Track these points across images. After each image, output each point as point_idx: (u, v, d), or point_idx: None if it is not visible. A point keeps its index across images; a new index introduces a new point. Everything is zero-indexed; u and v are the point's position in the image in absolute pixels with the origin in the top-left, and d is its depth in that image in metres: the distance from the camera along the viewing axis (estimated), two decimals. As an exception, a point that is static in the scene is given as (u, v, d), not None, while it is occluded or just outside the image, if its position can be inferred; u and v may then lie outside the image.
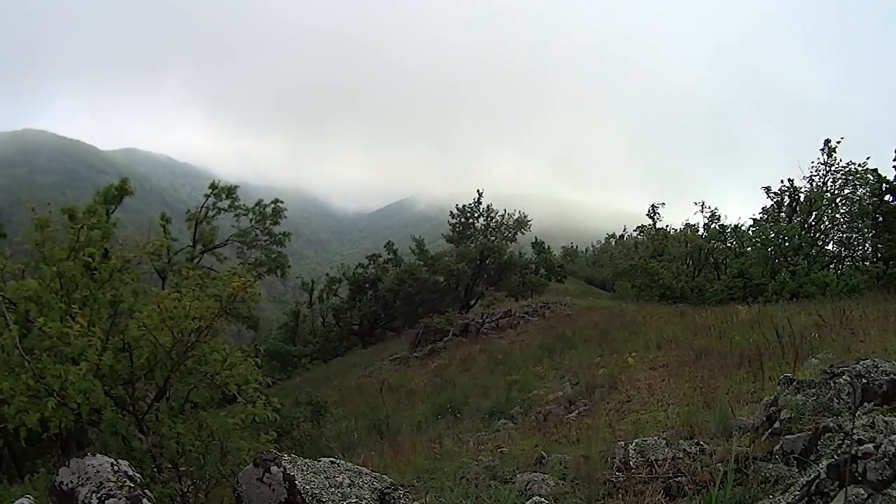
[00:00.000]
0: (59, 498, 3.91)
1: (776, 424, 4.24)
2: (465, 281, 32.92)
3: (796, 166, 28.21)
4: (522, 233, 36.63)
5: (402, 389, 16.46)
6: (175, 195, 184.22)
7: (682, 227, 26.84)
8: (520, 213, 37.30)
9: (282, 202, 31.21)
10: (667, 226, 29.33)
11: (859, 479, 2.72)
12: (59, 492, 3.92)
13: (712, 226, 24.71)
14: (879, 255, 18.55)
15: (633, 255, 27.30)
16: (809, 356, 7.22)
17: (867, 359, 4.44)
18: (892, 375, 4.08)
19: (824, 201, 19.53)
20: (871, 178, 18.62)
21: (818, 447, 3.49)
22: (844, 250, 20.21)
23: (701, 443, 4.40)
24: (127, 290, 6.54)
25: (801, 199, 20.33)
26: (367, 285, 37.57)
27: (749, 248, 22.03)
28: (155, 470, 5.81)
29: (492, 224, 36.74)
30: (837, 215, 19.85)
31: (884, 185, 18.23)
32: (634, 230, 33.84)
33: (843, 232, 20.04)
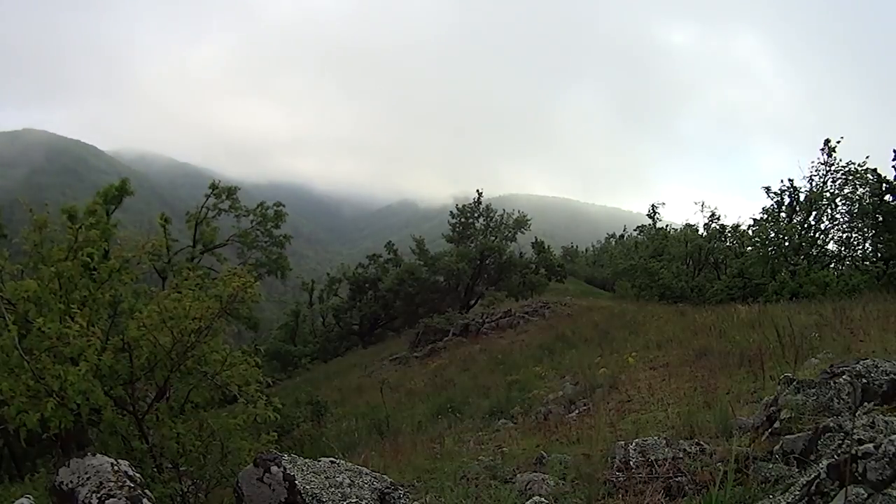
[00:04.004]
0: (60, 498, 3.91)
1: (776, 424, 4.23)
2: (465, 281, 32.92)
3: (796, 166, 28.21)
4: (522, 232, 36.60)
5: (402, 389, 16.46)
6: (175, 195, 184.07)
7: (682, 226, 26.85)
8: (519, 212, 37.29)
9: (283, 205, 31.21)
10: (667, 225, 29.37)
11: (859, 478, 2.72)
12: (59, 492, 3.92)
13: (712, 225, 24.71)
14: (879, 254, 18.55)
15: (633, 255, 27.30)
16: (809, 356, 7.22)
17: (867, 359, 4.44)
18: (892, 375, 4.08)
19: (824, 201, 19.51)
20: (871, 177, 18.62)
21: (818, 447, 3.49)
22: (844, 250, 20.19)
23: (701, 443, 4.39)
24: (127, 289, 6.54)
25: (801, 198, 20.31)
26: (367, 285, 37.55)
27: (749, 248, 22.01)
28: (155, 470, 5.81)
29: (491, 224, 36.72)
30: (837, 215, 19.84)
31: (884, 184, 18.24)
32: (634, 230, 33.83)
33: (843, 232, 20.02)
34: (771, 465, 3.61)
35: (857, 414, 3.70)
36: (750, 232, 22.08)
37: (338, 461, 3.84)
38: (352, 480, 3.64)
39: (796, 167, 61.72)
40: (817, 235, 20.25)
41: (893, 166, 18.17)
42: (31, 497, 4.02)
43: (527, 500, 3.94)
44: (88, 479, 3.85)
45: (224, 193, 28.93)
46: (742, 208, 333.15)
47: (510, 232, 36.17)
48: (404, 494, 3.75)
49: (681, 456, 4.15)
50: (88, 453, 4.09)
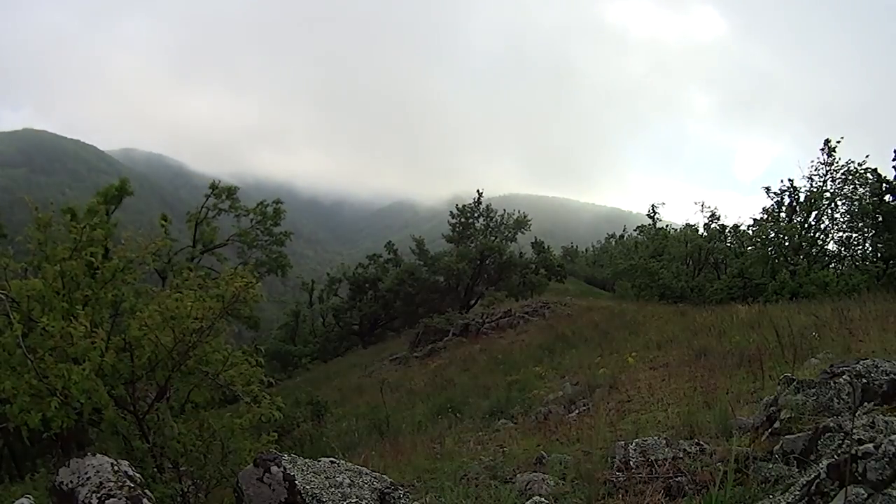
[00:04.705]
0: (60, 498, 3.91)
1: (776, 424, 4.24)
2: (465, 281, 32.91)
3: (796, 166, 28.24)
4: (522, 232, 36.60)
5: (403, 389, 16.47)
6: (175, 195, 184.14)
7: (682, 226, 26.86)
8: (519, 212, 37.30)
9: (282, 203, 31.21)
10: (667, 225, 29.37)
11: (859, 478, 2.72)
12: (59, 492, 3.93)
13: (712, 226, 24.71)
14: (879, 254, 18.55)
15: (633, 255, 27.29)
16: (809, 356, 7.23)
17: (867, 358, 4.44)
18: (892, 375, 4.08)
19: (824, 201, 19.51)
20: (871, 177, 18.62)
21: (818, 447, 3.49)
22: (844, 250, 20.19)
23: (701, 443, 4.40)
24: (128, 289, 6.55)
25: (801, 198, 20.31)
26: (367, 285, 37.55)
27: (749, 248, 22.01)
28: (155, 470, 5.81)
29: (492, 224, 36.72)
30: (837, 215, 19.85)
31: (884, 184, 18.24)
32: (634, 230, 33.83)
33: (843, 231, 20.02)
34: (771, 465, 3.61)
35: (857, 414, 3.70)
36: (750, 232, 22.09)
37: (338, 461, 3.84)
38: (352, 480, 3.64)
39: (796, 167, 61.84)
40: (817, 235, 20.24)
41: (893, 166, 18.19)
42: (31, 497, 4.03)
43: (527, 500, 3.94)
44: (88, 479, 3.85)
45: (224, 193, 28.94)
46: (719, 198, 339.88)
47: (510, 232, 36.17)
48: (404, 494, 3.75)
49: (681, 456, 4.16)
50: (88, 453, 4.09)
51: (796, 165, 28.93)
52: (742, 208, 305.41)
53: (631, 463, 4.22)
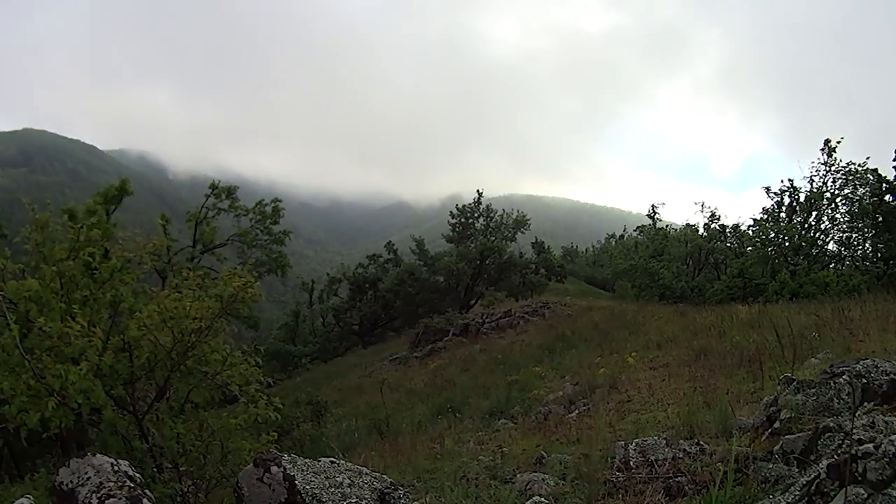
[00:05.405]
0: (59, 498, 3.91)
1: (776, 424, 4.23)
2: (465, 281, 32.93)
3: (797, 166, 28.24)
4: (522, 232, 36.62)
5: (402, 389, 16.46)
6: (175, 195, 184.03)
7: (682, 226, 26.88)
8: (518, 212, 37.30)
9: (280, 201, 31.23)
10: (667, 225, 29.41)
11: (859, 478, 2.72)
12: (59, 492, 3.92)
13: (712, 226, 24.72)
14: (879, 255, 18.54)
15: (633, 255, 27.31)
16: (809, 356, 7.23)
17: (867, 359, 4.44)
18: (892, 375, 4.08)
19: (824, 201, 19.52)
20: (871, 177, 18.62)
21: (818, 447, 3.49)
22: (844, 250, 20.19)
23: (701, 443, 4.40)
24: (127, 289, 6.54)
25: (801, 198, 20.32)
26: (367, 285, 37.57)
27: (749, 248, 22.02)
28: (155, 470, 5.81)
29: (491, 224, 36.72)
30: (837, 215, 19.84)
31: (884, 185, 18.23)
32: (634, 230, 33.85)
33: (843, 232, 20.02)
34: (771, 465, 3.61)
35: (857, 414, 3.70)
36: (750, 232, 22.09)
37: (338, 461, 3.84)
38: (352, 480, 3.64)
39: (796, 167, 61.86)
40: (817, 235, 20.25)
41: (894, 166, 18.19)
42: (31, 497, 4.02)
43: (527, 500, 3.94)
44: (88, 479, 3.85)
45: (224, 193, 28.96)
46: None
47: (510, 232, 36.16)
48: (404, 494, 3.74)
49: (681, 456, 4.16)
50: (88, 453, 4.09)
51: (796, 166, 28.92)
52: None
53: (631, 463, 4.22)
